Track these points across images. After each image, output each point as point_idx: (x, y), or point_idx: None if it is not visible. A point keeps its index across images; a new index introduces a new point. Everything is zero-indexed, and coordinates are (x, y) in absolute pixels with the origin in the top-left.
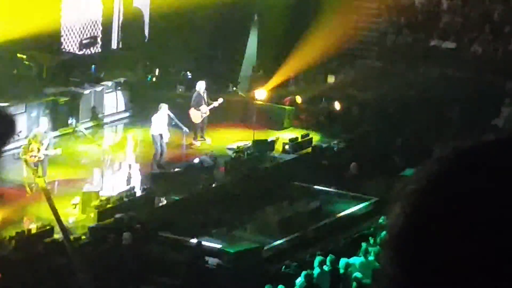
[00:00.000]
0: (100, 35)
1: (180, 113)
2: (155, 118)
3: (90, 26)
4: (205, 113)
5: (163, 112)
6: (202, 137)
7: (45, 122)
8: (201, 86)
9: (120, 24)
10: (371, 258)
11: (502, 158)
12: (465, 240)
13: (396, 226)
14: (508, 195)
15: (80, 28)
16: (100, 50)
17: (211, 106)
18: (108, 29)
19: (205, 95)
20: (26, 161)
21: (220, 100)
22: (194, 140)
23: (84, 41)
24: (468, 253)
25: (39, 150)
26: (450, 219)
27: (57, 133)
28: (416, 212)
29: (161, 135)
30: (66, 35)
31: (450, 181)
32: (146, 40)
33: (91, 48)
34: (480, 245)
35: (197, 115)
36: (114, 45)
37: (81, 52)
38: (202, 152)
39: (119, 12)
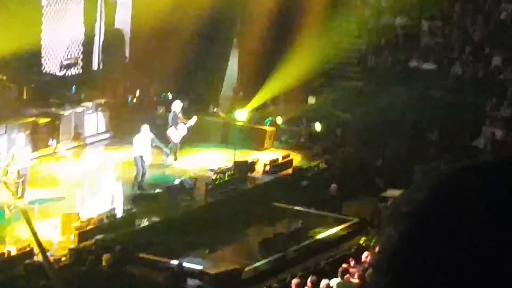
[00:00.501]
0: (81, 56)
1: (161, 134)
2: (136, 139)
3: (71, 47)
4: (184, 132)
5: (145, 133)
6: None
7: (22, 139)
8: (177, 105)
9: (101, 45)
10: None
11: (495, 180)
12: (461, 263)
13: (389, 248)
14: (503, 217)
15: (60, 49)
16: (80, 71)
17: (188, 125)
18: (89, 50)
19: (180, 115)
20: (5, 182)
21: (194, 118)
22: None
23: (64, 62)
24: (464, 275)
25: (19, 172)
26: (444, 241)
27: (37, 154)
28: (410, 234)
29: (142, 157)
30: (47, 56)
31: (444, 203)
32: (126, 61)
33: (72, 69)
34: (477, 267)
35: (176, 134)
36: (95, 66)
37: (61, 73)
38: (183, 173)
39: (100, 33)
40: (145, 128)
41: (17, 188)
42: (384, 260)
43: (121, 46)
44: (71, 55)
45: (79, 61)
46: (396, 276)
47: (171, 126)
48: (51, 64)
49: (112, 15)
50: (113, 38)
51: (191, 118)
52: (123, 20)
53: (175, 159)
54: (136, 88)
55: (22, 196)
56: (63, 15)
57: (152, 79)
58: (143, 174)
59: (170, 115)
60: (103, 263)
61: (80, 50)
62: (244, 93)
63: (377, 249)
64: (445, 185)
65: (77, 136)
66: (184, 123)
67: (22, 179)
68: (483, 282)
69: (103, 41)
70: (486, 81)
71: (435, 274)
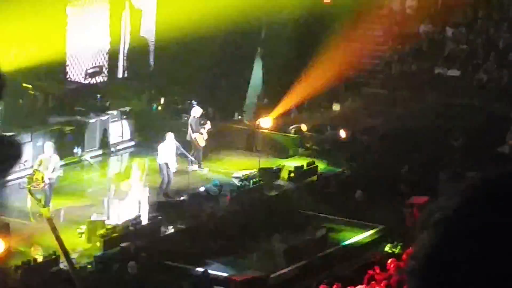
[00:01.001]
0: (106, 65)
1: (185, 141)
2: (161, 147)
3: (96, 56)
4: (206, 136)
5: (169, 141)
6: (200, 164)
7: (49, 147)
8: (197, 111)
9: (125, 53)
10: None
11: None
12: (493, 269)
13: (423, 255)
14: None
15: (85, 58)
16: (105, 79)
17: (206, 129)
18: (114, 58)
19: (198, 121)
20: (30, 190)
21: (208, 122)
22: (197, 167)
23: (89, 71)
24: (496, 281)
25: (43, 179)
26: (477, 249)
27: (62, 162)
28: (443, 241)
29: (167, 164)
30: (72, 64)
31: (477, 211)
32: (151, 69)
33: (97, 77)
34: (506, 275)
35: (201, 138)
36: (119, 74)
37: (86, 81)
38: (208, 180)
39: (124, 41)
40: (170, 136)
41: (43, 196)
42: (417, 267)
43: (146, 54)
44: (95, 63)
45: (104, 69)
46: (430, 282)
47: (195, 132)
48: (76, 73)
49: (137, 23)
50: (138, 46)
51: (205, 124)
52: (148, 28)
53: (200, 166)
54: (160, 95)
55: (47, 204)
56: (88, 24)
57: (176, 86)
58: (168, 182)
59: (192, 121)
60: (129, 270)
61: (105, 58)
62: (269, 100)
63: (410, 255)
64: (477, 193)
65: (102, 144)
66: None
67: (47, 186)
68: None
69: (127, 49)
70: (510, 88)
71: (468, 280)
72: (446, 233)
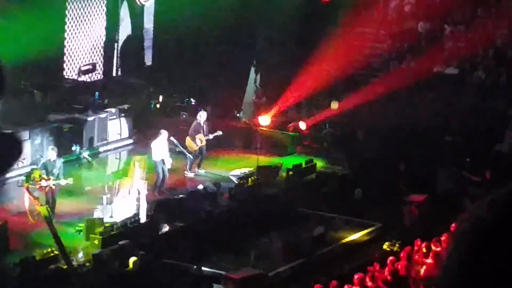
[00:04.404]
0: (100, 62)
1: (184, 139)
2: (154, 144)
3: (90, 53)
4: (201, 142)
5: (163, 138)
6: (199, 167)
7: (52, 151)
8: (202, 115)
9: (123, 51)
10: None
11: None
12: None
13: (450, 266)
14: None
15: (80, 55)
16: (100, 77)
17: (207, 137)
18: (111, 55)
19: (205, 126)
20: (28, 188)
21: (219, 132)
22: (192, 169)
23: (83, 68)
24: None
25: (40, 178)
26: (503, 262)
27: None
28: (469, 253)
29: (162, 161)
30: (69, 61)
31: (503, 224)
32: (149, 67)
33: (90, 75)
34: None
35: (192, 144)
36: (117, 72)
37: (80, 79)
38: (206, 178)
39: (122, 38)
40: (164, 133)
41: (47, 196)
42: (445, 278)
43: (144, 51)
44: (89, 60)
45: (97, 66)
46: None
47: (190, 135)
48: (74, 70)
49: (134, 20)
50: (135, 43)
51: (215, 131)
52: (146, 24)
53: (190, 169)
54: (158, 93)
55: (50, 203)
56: (84, 21)
57: (175, 84)
58: (163, 179)
59: (193, 124)
60: (130, 266)
61: (99, 55)
62: (267, 98)
63: (439, 266)
64: (505, 206)
65: (100, 141)
66: (207, 134)
67: (47, 186)
68: None
69: (125, 46)
70: (508, 86)
71: None
72: (472, 246)
